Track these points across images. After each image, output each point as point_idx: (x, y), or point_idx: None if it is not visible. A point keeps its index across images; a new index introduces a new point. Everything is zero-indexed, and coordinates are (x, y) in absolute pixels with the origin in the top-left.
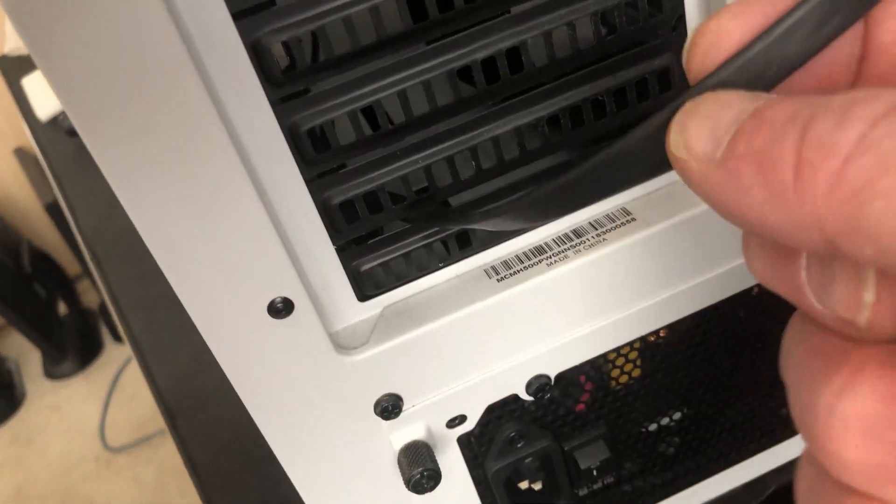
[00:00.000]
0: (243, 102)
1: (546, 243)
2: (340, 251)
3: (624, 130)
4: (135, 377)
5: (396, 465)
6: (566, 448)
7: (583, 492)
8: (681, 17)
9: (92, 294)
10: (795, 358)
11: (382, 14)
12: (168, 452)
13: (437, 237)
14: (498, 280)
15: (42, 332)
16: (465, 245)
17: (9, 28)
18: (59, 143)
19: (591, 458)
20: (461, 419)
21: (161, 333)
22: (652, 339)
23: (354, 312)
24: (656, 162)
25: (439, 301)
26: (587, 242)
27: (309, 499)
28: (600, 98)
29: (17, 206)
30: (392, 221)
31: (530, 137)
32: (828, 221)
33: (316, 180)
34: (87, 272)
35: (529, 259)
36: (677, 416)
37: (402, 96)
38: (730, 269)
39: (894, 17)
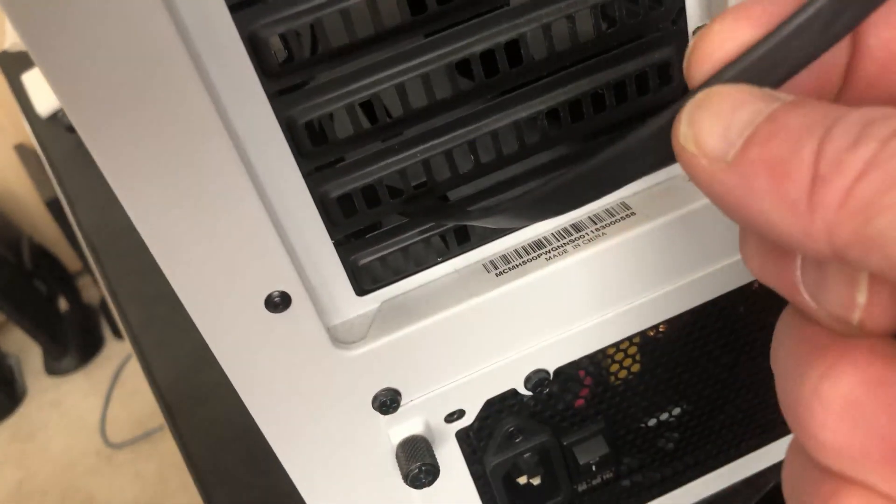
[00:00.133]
0: (240, 95)
1: (545, 238)
2: (338, 245)
3: (624, 124)
4: (135, 373)
5: (394, 460)
6: (565, 443)
7: (582, 487)
8: (681, 11)
9: (93, 290)
10: (784, 347)
11: (380, 6)
12: (169, 448)
13: (436, 231)
14: (497, 275)
15: (43, 327)
16: (464, 240)
17: (8, 24)
18: (59, 139)
19: (589, 453)
20: (460, 414)
21: (161, 330)
22: (651, 334)
23: (352, 307)
24: (661, 157)
25: (438, 296)
26: (586, 237)
27: (307, 494)
28: (600, 92)
29: (18, 202)
30: (390, 215)
31: (529, 131)
32: (837, 233)
33: (313, 174)
34: (87, 268)
35: (528, 254)
36: (676, 411)
37: (401, 89)
38: (730, 265)
39: (882, 23)
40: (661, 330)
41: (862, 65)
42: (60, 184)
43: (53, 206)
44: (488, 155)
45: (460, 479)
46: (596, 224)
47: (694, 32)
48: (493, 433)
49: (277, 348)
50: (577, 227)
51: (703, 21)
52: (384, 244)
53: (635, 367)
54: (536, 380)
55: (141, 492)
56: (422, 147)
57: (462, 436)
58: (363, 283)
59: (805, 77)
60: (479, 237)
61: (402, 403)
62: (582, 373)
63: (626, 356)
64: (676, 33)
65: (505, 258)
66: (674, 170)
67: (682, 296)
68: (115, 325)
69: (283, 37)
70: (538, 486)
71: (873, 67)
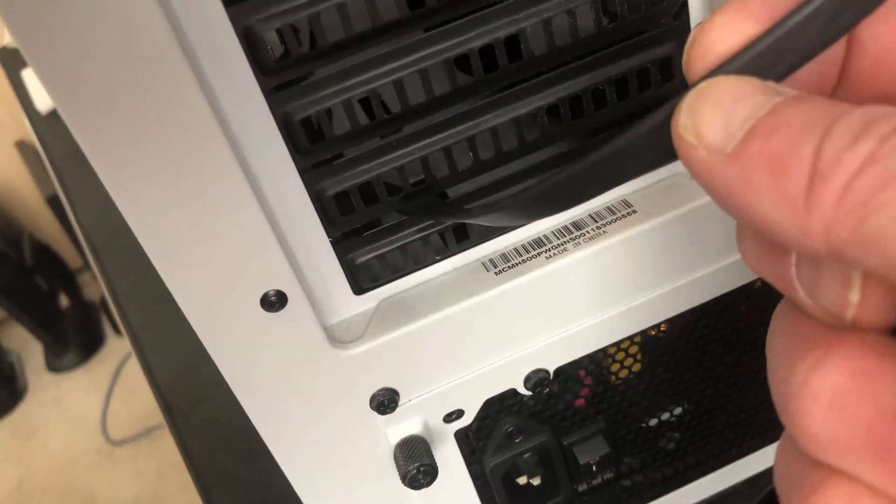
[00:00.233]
0: (235, 91)
1: (545, 236)
2: (335, 243)
3: (625, 121)
4: (136, 370)
5: (392, 461)
6: (565, 443)
7: (582, 487)
8: (683, 6)
9: (93, 287)
10: (777, 338)
11: (378, 1)
12: (170, 445)
13: (434, 229)
14: (496, 273)
15: (44, 324)
16: (463, 238)
17: None
18: (58, 135)
19: (590, 453)
20: (458, 414)
21: (160, 329)
22: (652, 333)
23: (350, 306)
24: (661, 154)
25: (436, 294)
26: (587, 235)
27: (304, 494)
28: (601, 88)
29: (19, 198)
30: (388, 213)
31: (529, 128)
32: (834, 232)
33: (310, 171)
34: (88, 265)
35: (528, 252)
36: (678, 411)
37: (399, 85)
38: (732, 263)
39: (876, 17)
40: (662, 329)
41: (855, 60)
42: (60, 181)
43: (54, 203)
44: (488, 152)
45: (459, 480)
46: (597, 222)
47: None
48: (493, 433)
49: (274, 348)
50: (577, 224)
51: (705, 16)
52: (382, 242)
53: (636, 367)
54: (536, 379)
55: (141, 489)
56: (420, 144)
57: (461, 436)
58: (361, 281)
59: (803, 73)
60: (478, 235)
61: (400, 403)
62: (582, 372)
63: (627, 355)
64: (678, 28)
65: (504, 256)
66: (676, 167)
67: (684, 294)
68: (115, 321)
69: (279, 32)
70: (538, 486)
71: (866, 62)
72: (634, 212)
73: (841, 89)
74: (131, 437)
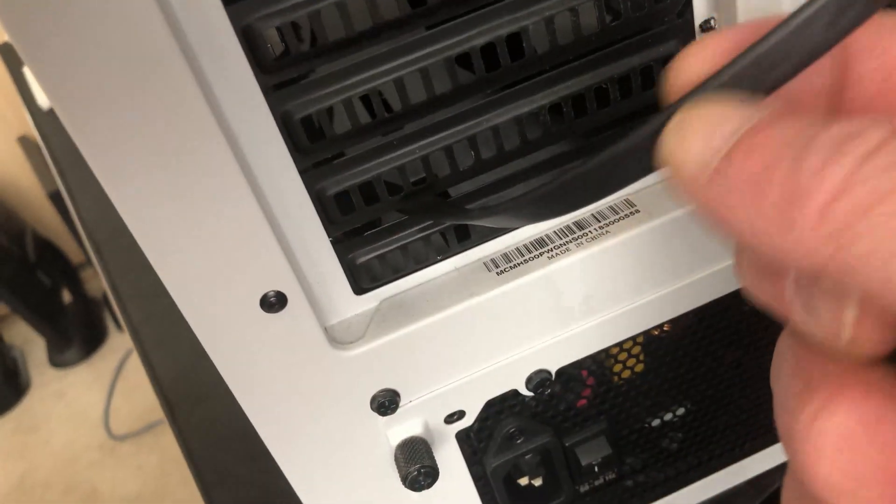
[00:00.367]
0: (234, 90)
1: (547, 235)
2: (336, 243)
3: (628, 119)
4: (139, 366)
5: (393, 462)
6: (567, 444)
7: (584, 488)
8: (687, 3)
9: (96, 282)
10: (782, 372)
11: None
12: (171, 441)
13: (436, 229)
14: (498, 273)
15: (46, 320)
16: (464, 237)
17: None
18: (60, 131)
19: (592, 454)
20: (460, 415)
21: (161, 326)
22: (655, 333)
23: (350, 306)
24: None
25: (437, 294)
26: (590, 235)
27: (305, 495)
28: (604, 86)
29: (22, 194)
30: (389, 213)
31: (531, 127)
32: (817, 251)
33: (310, 170)
34: (90, 261)
35: (530, 252)
36: (680, 411)
37: (399, 84)
38: None
39: (867, 54)
40: (665, 329)
41: (856, 93)
42: (62, 176)
43: (56, 199)
44: (489, 151)
45: (460, 481)
46: (599, 221)
47: (700, 26)
48: (494, 434)
49: (273, 349)
50: (580, 224)
51: (709, 14)
52: (383, 242)
53: (639, 367)
54: (538, 380)
55: (143, 484)
56: (421, 143)
57: (462, 437)
58: (361, 281)
59: (795, 92)
60: (479, 235)
61: (400, 404)
62: (584, 373)
63: (630, 356)
64: (682, 26)
65: (506, 256)
66: None
67: (687, 295)
68: (118, 317)
69: (278, 30)
70: (540, 487)
71: (868, 93)
72: (638, 211)
73: (847, 92)
74: (133, 432)
